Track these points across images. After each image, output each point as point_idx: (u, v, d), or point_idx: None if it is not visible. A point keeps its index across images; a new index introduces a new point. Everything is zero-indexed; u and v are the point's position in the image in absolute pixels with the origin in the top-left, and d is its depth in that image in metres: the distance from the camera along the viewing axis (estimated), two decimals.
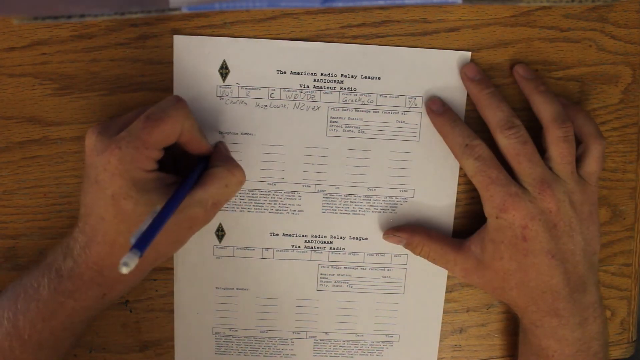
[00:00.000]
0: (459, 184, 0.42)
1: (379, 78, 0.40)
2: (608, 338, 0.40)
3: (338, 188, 0.41)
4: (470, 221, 0.42)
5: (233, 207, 0.41)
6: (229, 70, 0.40)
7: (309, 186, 0.41)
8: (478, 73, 0.40)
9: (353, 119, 0.41)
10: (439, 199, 0.42)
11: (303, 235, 0.42)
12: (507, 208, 0.37)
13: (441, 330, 0.44)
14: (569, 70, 0.42)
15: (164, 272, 0.42)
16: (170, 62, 0.39)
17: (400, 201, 0.42)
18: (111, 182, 0.33)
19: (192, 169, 0.37)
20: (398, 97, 0.41)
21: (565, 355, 0.38)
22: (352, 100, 0.40)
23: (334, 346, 0.44)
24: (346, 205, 0.42)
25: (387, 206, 0.42)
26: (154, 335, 0.43)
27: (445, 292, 0.43)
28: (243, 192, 0.41)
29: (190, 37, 0.39)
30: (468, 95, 0.41)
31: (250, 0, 0.34)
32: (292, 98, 0.40)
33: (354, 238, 0.42)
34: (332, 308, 0.43)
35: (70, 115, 0.40)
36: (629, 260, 0.45)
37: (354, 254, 0.43)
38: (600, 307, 0.39)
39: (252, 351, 0.44)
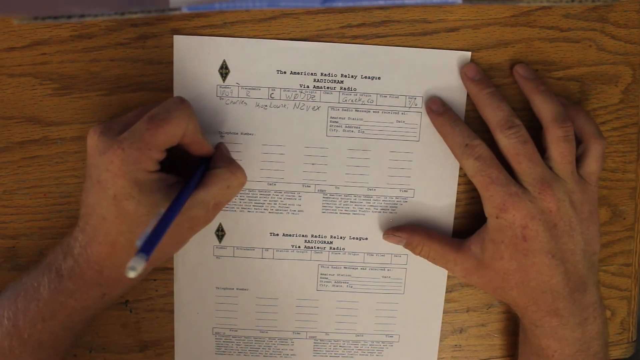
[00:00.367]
0: (459, 184, 0.42)
1: (379, 78, 0.40)
2: (608, 338, 0.40)
3: (338, 188, 0.41)
4: (470, 221, 0.42)
5: (233, 207, 0.41)
6: (229, 70, 0.40)
7: (309, 186, 0.41)
8: (478, 73, 0.40)
9: (353, 119, 0.41)
10: (439, 199, 0.42)
11: (303, 235, 0.42)
12: (507, 208, 0.37)
13: (441, 330, 0.44)
14: (569, 70, 0.42)
15: (164, 272, 0.42)
16: (170, 62, 0.39)
17: (400, 201, 0.42)
18: (113, 183, 0.33)
19: (194, 170, 0.37)
20: (398, 97, 0.41)
21: (565, 355, 0.38)
22: (352, 100, 0.40)
23: (334, 346, 0.44)
24: (346, 205, 0.42)
25: (387, 206, 0.42)
26: (154, 335, 0.43)
27: (445, 292, 0.43)
28: (243, 192, 0.41)
29: (190, 37, 0.39)
30: (468, 95, 0.41)
31: (250, 0, 0.34)
32: (292, 98, 0.40)
33: (354, 238, 0.42)
34: (332, 308, 0.43)
35: (70, 115, 0.40)
36: (629, 260, 0.45)
37: (354, 254, 0.43)
38: (600, 307, 0.39)
39: (252, 351, 0.44)
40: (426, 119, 0.41)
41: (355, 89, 0.40)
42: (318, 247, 0.42)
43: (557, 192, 0.37)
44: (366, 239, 0.42)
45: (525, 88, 0.40)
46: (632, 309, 0.46)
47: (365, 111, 0.41)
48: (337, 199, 0.42)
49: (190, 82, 0.40)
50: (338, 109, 0.41)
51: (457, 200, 0.42)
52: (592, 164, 0.39)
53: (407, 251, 0.42)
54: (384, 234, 0.42)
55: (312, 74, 0.40)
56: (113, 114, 0.40)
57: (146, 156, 0.33)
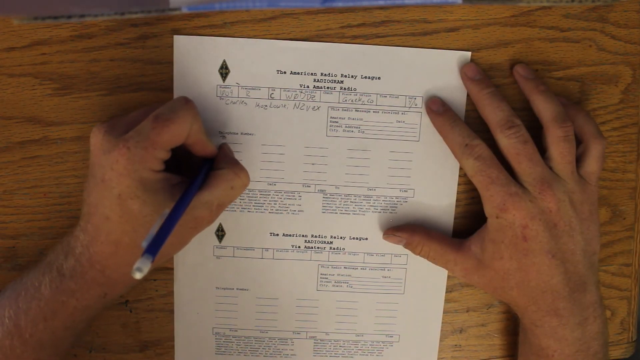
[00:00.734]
0: (459, 184, 0.42)
1: (379, 78, 0.40)
2: (608, 338, 0.40)
3: (338, 188, 0.41)
4: (470, 221, 0.42)
5: (233, 207, 0.41)
6: (229, 70, 0.40)
7: (309, 186, 0.41)
8: (478, 73, 0.40)
9: (353, 119, 0.41)
10: (439, 199, 0.42)
11: (303, 235, 0.42)
12: (508, 208, 0.37)
13: (441, 330, 0.44)
14: (569, 70, 0.42)
15: (164, 272, 0.42)
16: (170, 62, 0.39)
17: (400, 201, 0.42)
18: (118, 182, 0.33)
19: (197, 170, 0.37)
20: (398, 97, 0.41)
21: (565, 355, 0.38)
22: (352, 100, 0.40)
23: (334, 346, 0.44)
24: (346, 205, 0.42)
25: (387, 206, 0.42)
26: (154, 335, 0.43)
27: (445, 292, 0.44)
28: (243, 192, 0.41)
29: (190, 37, 0.39)
30: (468, 95, 0.41)
31: (250, 0, 0.33)
32: (292, 98, 0.40)
33: (354, 238, 0.42)
34: (332, 308, 0.43)
35: (70, 115, 0.40)
36: (629, 260, 0.45)
37: (354, 254, 0.43)
38: (600, 307, 0.39)
39: (252, 351, 0.44)
40: (426, 119, 0.41)
41: (355, 89, 0.40)
42: (318, 247, 0.42)
43: (557, 192, 0.37)
44: (366, 239, 0.42)
45: (525, 88, 0.40)
46: (632, 309, 0.46)
47: (365, 111, 0.41)
48: (337, 199, 0.42)
49: (190, 82, 0.40)
50: (338, 109, 0.41)
51: (457, 200, 0.42)
52: (592, 164, 0.39)
53: (407, 251, 0.42)
54: (384, 234, 0.42)
55: (312, 74, 0.40)
56: (113, 114, 0.40)
57: (152, 155, 0.33)
